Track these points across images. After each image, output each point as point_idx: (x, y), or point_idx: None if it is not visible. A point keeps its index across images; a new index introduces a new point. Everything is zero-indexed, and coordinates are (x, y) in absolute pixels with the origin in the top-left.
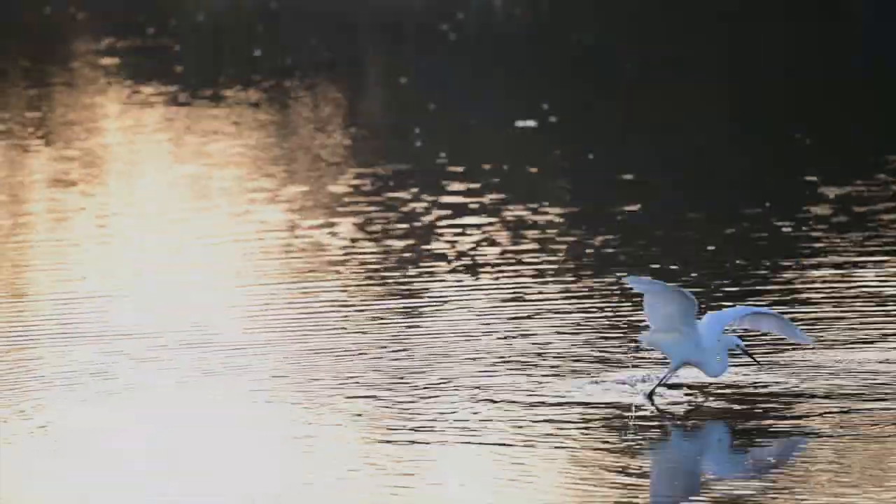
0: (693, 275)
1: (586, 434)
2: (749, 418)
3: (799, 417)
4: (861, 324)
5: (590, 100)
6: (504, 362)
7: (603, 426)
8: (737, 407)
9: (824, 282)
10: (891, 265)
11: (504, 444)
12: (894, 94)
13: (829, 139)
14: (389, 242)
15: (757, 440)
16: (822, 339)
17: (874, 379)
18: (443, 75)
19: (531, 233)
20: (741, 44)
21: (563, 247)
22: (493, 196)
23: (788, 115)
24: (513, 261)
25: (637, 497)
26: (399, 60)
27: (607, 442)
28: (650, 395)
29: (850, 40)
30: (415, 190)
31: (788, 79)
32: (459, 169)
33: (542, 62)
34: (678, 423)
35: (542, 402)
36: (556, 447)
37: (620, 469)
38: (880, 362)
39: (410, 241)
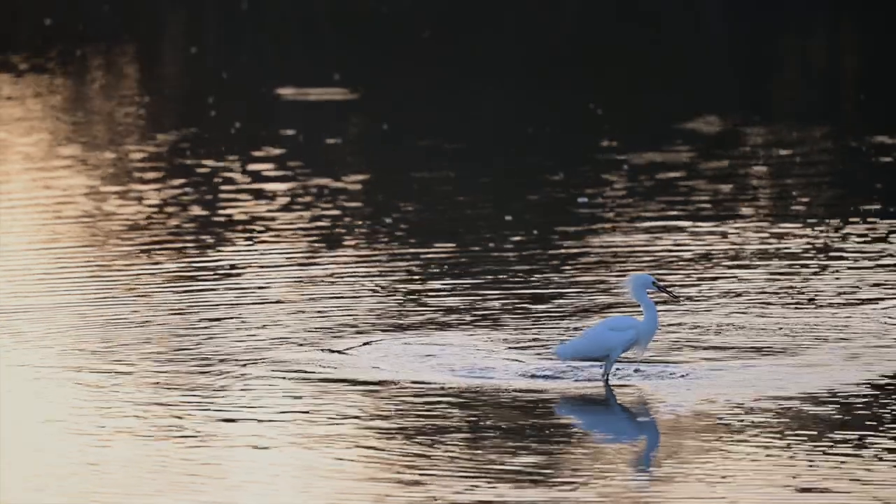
0: (492, 244)
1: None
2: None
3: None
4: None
5: (385, 71)
6: (295, 329)
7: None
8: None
9: (624, 247)
10: (687, 228)
11: (300, 443)
12: (683, 63)
13: (622, 108)
14: (187, 209)
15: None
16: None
17: (670, 339)
18: (235, 45)
19: (328, 200)
20: (531, 16)
21: (361, 214)
22: (290, 164)
23: (582, 84)
24: (309, 228)
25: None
26: (192, 30)
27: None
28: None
29: (646, 13)
30: (211, 157)
31: (579, 48)
32: (255, 137)
33: (340, 34)
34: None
35: (316, 370)
36: (342, 415)
37: (403, 444)
38: (683, 325)
39: (207, 208)
